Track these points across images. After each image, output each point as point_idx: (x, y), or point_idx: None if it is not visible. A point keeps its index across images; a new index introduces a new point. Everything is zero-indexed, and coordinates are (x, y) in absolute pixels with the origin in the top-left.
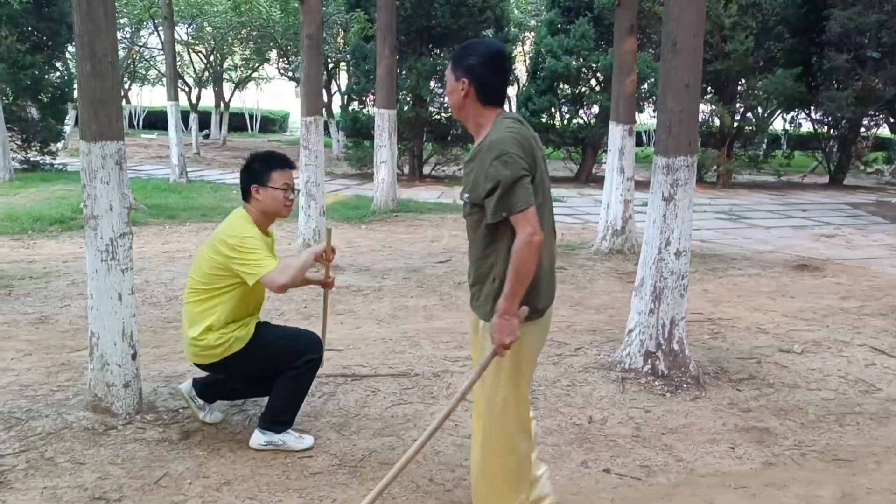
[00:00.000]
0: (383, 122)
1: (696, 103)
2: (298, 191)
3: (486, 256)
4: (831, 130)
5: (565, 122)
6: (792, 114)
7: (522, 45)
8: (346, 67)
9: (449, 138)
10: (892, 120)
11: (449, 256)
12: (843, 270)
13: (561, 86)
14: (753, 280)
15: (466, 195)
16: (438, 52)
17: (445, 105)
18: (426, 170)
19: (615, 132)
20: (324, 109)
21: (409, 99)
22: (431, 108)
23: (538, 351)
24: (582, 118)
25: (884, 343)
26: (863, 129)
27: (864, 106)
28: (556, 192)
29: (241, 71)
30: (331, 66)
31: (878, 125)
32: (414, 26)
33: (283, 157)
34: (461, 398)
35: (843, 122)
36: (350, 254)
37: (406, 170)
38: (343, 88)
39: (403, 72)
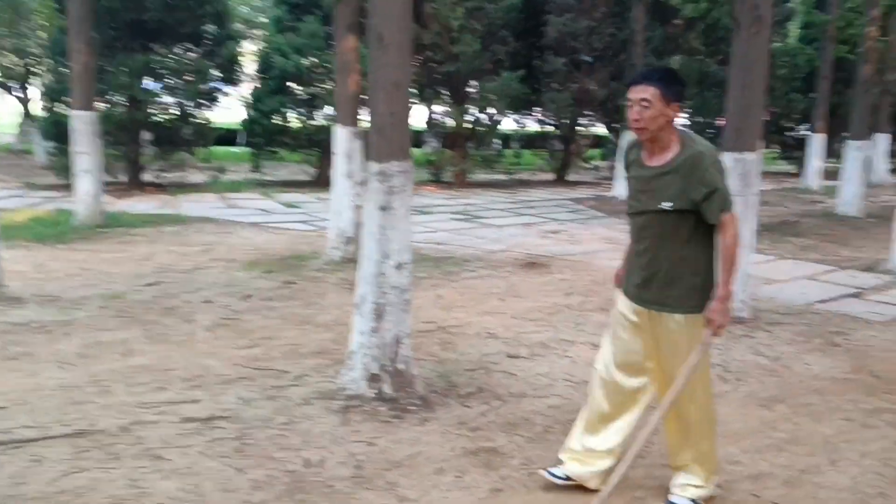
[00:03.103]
0: (82, 125)
1: (408, 103)
2: None
3: (687, 255)
4: (555, 129)
5: (301, 123)
6: (519, 114)
7: (254, 43)
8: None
9: (177, 141)
10: (606, 119)
11: (160, 278)
12: (567, 266)
13: (293, 86)
14: (485, 281)
15: (669, 203)
16: (152, 47)
17: (166, 106)
18: (147, 177)
19: (341, 135)
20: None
21: (121, 100)
22: (151, 109)
23: None
24: (317, 120)
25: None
26: (582, 128)
27: (581, 107)
28: (292, 197)
29: None
30: (30, 62)
31: (594, 124)
32: (122, 19)
33: None
34: (684, 383)
35: (564, 121)
36: (37, 282)
37: (123, 178)
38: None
39: (113, 69)
